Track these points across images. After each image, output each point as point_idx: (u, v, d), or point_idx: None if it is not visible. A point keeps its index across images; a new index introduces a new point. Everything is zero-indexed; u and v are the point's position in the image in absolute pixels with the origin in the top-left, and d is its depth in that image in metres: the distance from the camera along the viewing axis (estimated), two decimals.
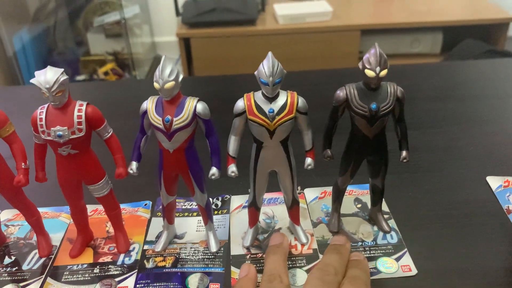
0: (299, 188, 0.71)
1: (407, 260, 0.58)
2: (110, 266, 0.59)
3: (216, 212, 0.68)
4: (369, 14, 2.42)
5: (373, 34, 2.37)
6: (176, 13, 2.47)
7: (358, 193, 0.70)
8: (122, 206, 0.69)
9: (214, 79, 1.20)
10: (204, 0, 2.51)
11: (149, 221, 0.67)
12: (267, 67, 0.50)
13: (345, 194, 0.69)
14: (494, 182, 0.71)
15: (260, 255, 0.60)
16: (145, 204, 0.69)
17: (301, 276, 0.56)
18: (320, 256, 0.59)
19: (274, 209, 0.67)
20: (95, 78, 2.60)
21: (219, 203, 0.69)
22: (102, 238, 0.64)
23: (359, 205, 0.68)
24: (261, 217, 0.66)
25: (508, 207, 0.66)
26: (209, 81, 1.19)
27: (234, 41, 2.35)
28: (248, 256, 0.60)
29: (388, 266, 0.57)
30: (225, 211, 0.68)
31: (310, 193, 0.70)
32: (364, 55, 0.53)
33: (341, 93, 0.54)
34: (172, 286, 0.56)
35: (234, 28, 2.32)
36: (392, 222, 0.64)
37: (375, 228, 0.63)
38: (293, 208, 0.61)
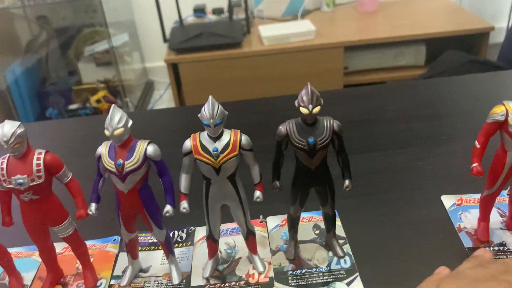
0: (261, 216, 0.74)
1: (357, 284, 0.61)
2: None
3: (180, 244, 0.71)
4: (352, 31, 2.46)
5: (357, 50, 2.42)
6: (163, 39, 2.53)
7: (317, 220, 0.73)
8: (91, 242, 0.72)
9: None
10: (191, 26, 2.57)
11: (117, 256, 0.70)
12: (207, 110, 0.54)
13: (305, 220, 0.72)
14: (448, 201, 0.73)
15: (219, 285, 0.63)
16: (114, 240, 0.73)
17: None
18: (276, 284, 0.62)
19: (236, 239, 0.70)
20: (88, 106, 2.65)
21: (184, 236, 0.72)
22: (72, 275, 0.67)
23: (317, 231, 0.71)
24: (223, 247, 0.69)
25: (459, 225, 0.69)
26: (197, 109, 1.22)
27: (221, 64, 2.40)
28: (207, 287, 0.63)
29: None
30: (189, 243, 0.71)
31: (272, 221, 0.73)
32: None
33: (282, 128, 0.58)
34: None
35: (221, 52, 2.38)
36: (347, 247, 0.67)
37: (331, 253, 0.66)
38: (249, 239, 0.64)
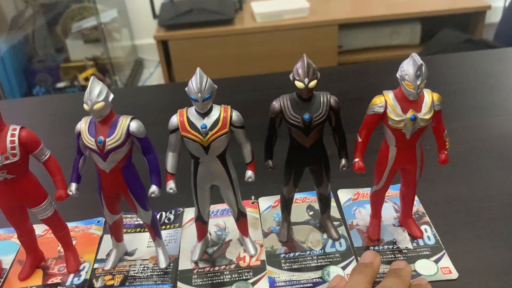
0: (253, 197, 0.71)
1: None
2: None
3: (168, 226, 0.67)
4: (346, 9, 2.41)
5: (351, 28, 2.37)
6: (153, 15, 2.46)
7: (311, 200, 0.70)
8: (74, 224, 0.69)
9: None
10: (181, 2, 2.49)
11: (101, 238, 0.66)
12: (195, 83, 0.50)
13: (298, 201, 0.69)
14: (344, 195, 0.70)
15: (208, 269, 0.60)
16: (98, 221, 0.69)
17: None
18: (268, 267, 0.59)
19: (227, 221, 0.67)
20: (76, 84, 2.58)
21: (172, 217, 0.69)
22: (53, 259, 0.64)
23: (311, 213, 0.68)
24: (213, 229, 0.66)
25: (352, 222, 0.65)
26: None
27: (212, 42, 2.34)
28: (195, 271, 0.60)
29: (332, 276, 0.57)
30: (177, 225, 0.67)
31: (264, 203, 0.70)
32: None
33: (276, 104, 0.54)
34: None
35: (212, 28, 2.31)
36: (342, 229, 0.64)
37: (325, 236, 0.63)
38: (240, 220, 0.61)
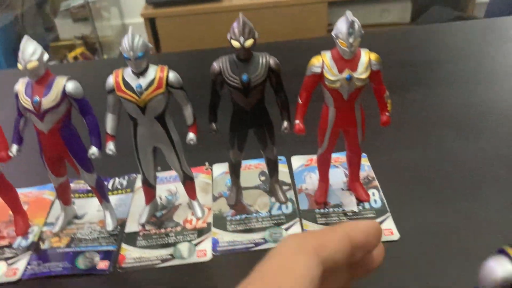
0: (207, 164, 0.71)
1: (297, 229, 0.58)
2: (5, 249, 0.60)
3: (120, 191, 0.68)
4: None
5: (341, 5, 2.34)
6: None
7: (263, 167, 0.69)
8: (28, 189, 0.69)
9: (183, 55, 1.17)
10: None
11: (53, 203, 0.67)
12: (127, 41, 0.49)
13: (252, 167, 0.69)
14: (297, 161, 0.70)
15: (154, 231, 0.60)
16: (52, 186, 0.69)
17: (184, 248, 0.57)
18: (214, 229, 0.59)
19: (178, 186, 0.67)
20: (65, 63, 2.57)
21: (125, 182, 0.69)
22: (4, 222, 0.64)
23: (263, 178, 0.68)
24: (164, 193, 0.66)
25: (301, 186, 0.65)
26: (178, 57, 1.16)
27: (200, 19, 2.32)
28: (141, 233, 0.60)
29: (275, 236, 0.57)
30: (129, 190, 0.68)
31: (218, 168, 0.70)
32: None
33: (215, 65, 0.54)
34: (62, 266, 0.56)
35: (200, 6, 2.29)
36: (291, 193, 0.64)
37: (273, 199, 0.64)
38: (187, 184, 0.61)
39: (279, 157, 0.71)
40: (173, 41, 2.36)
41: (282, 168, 0.69)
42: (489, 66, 0.91)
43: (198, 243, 0.58)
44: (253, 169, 0.70)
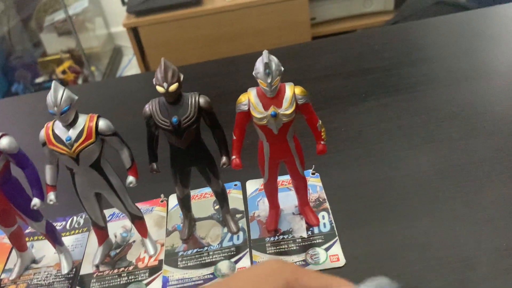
0: (162, 196, 0.71)
1: (246, 261, 0.59)
2: None
3: (77, 231, 0.69)
4: None
5: None
6: (122, 2, 2.44)
7: None
8: None
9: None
10: None
11: (12, 248, 0.68)
12: (50, 97, 0.50)
13: (207, 196, 0.70)
14: (252, 186, 0.70)
15: (108, 272, 0.61)
16: None
17: None
18: (165, 266, 0.60)
19: None
20: (54, 78, 2.59)
21: (82, 221, 0.70)
22: None
23: (217, 207, 0.68)
24: (119, 230, 0.67)
25: (254, 213, 0.65)
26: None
27: (183, 24, 2.31)
28: (95, 275, 0.61)
29: (223, 271, 0.58)
30: (85, 229, 0.69)
31: (173, 200, 0.71)
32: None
33: (147, 108, 0.54)
34: None
35: (181, 11, 2.28)
36: (244, 221, 0.65)
37: (226, 229, 0.64)
38: (136, 223, 0.62)
39: (235, 183, 0.71)
40: (158, 49, 2.36)
41: (237, 195, 0.69)
42: (455, 66, 0.90)
43: (149, 282, 0.58)
44: (208, 198, 0.70)
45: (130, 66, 2.84)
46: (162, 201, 0.71)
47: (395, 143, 0.73)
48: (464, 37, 1.00)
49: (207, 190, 0.71)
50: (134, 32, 2.33)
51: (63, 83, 2.52)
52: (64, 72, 2.58)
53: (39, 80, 2.61)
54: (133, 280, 0.59)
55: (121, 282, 0.59)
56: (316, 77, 0.95)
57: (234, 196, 0.69)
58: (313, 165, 0.70)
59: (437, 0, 2.13)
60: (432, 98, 0.81)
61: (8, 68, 2.62)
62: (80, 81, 2.50)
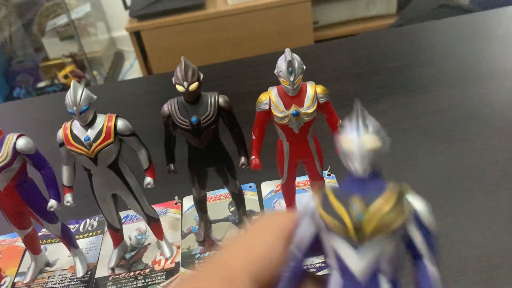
0: (176, 198, 0.71)
1: None
2: None
3: (91, 233, 0.68)
4: None
5: (326, 3, 2.32)
6: (124, 7, 2.44)
7: None
8: (2, 237, 0.69)
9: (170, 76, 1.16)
10: None
11: (25, 251, 0.67)
12: (69, 96, 0.49)
13: (222, 197, 0.69)
14: (267, 187, 0.69)
15: (123, 274, 0.60)
16: None
17: None
18: (182, 269, 0.59)
19: None
20: (56, 82, 2.58)
21: (95, 224, 0.69)
22: None
23: (232, 209, 0.67)
24: (133, 233, 0.66)
25: None
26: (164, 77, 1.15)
27: (185, 28, 2.31)
28: (111, 278, 0.60)
29: None
30: (99, 231, 0.68)
31: (188, 202, 0.70)
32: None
33: (165, 108, 0.53)
34: None
35: (184, 15, 2.28)
36: None
37: None
38: (152, 225, 0.61)
39: (249, 184, 0.71)
40: (160, 53, 2.35)
41: (252, 196, 0.68)
42: (465, 67, 0.90)
43: (166, 285, 0.58)
44: (222, 200, 0.69)
45: (132, 71, 2.83)
46: (176, 203, 0.70)
47: (410, 143, 0.72)
48: (471, 38, 1.00)
49: (222, 192, 0.70)
50: (136, 36, 2.33)
51: (66, 87, 2.51)
52: (66, 76, 2.57)
53: (41, 84, 2.60)
54: (150, 283, 0.58)
55: (138, 285, 0.58)
56: (325, 78, 0.94)
57: (250, 198, 0.68)
58: (329, 166, 0.69)
59: (440, 4, 2.13)
60: (445, 98, 0.81)
61: (9, 72, 2.61)
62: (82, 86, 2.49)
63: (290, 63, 0.47)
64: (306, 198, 0.25)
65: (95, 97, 0.51)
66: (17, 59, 2.65)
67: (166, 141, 0.56)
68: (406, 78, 0.89)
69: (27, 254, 0.66)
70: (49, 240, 0.68)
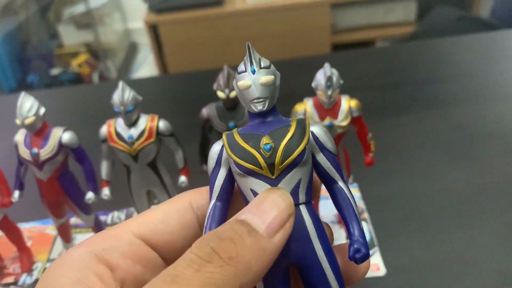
0: None
1: None
2: (11, 287, 0.63)
3: None
4: None
5: (344, 7, 2.34)
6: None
7: None
8: (32, 224, 0.72)
9: (185, 76, 1.18)
10: None
11: (55, 238, 0.70)
12: (117, 96, 0.51)
13: None
14: None
15: None
16: None
17: None
18: None
19: None
20: (70, 71, 2.61)
21: (123, 217, 0.72)
22: (10, 258, 0.67)
23: None
24: None
25: None
26: (180, 78, 1.17)
27: (203, 24, 2.33)
28: None
29: None
30: None
31: None
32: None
33: (204, 112, 0.56)
34: None
35: (202, 11, 2.30)
36: None
37: None
38: None
39: None
40: (176, 47, 2.38)
41: None
42: (487, 84, 0.92)
43: None
44: None
45: (146, 63, 2.86)
46: None
47: (429, 158, 0.75)
48: (493, 56, 1.02)
49: None
50: (153, 29, 2.35)
51: (79, 76, 2.54)
52: (80, 65, 2.60)
53: (54, 71, 2.62)
54: None
55: None
56: (346, 88, 0.96)
57: None
58: (352, 175, 0.72)
59: (460, 16, 2.14)
60: (465, 115, 0.83)
61: (23, 58, 2.64)
62: (95, 75, 2.52)
63: (329, 79, 0.49)
64: (216, 146, 0.27)
65: (140, 98, 0.53)
66: (32, 45, 2.68)
67: (201, 143, 0.59)
68: (427, 92, 0.91)
69: (58, 240, 0.69)
70: (78, 230, 0.70)
